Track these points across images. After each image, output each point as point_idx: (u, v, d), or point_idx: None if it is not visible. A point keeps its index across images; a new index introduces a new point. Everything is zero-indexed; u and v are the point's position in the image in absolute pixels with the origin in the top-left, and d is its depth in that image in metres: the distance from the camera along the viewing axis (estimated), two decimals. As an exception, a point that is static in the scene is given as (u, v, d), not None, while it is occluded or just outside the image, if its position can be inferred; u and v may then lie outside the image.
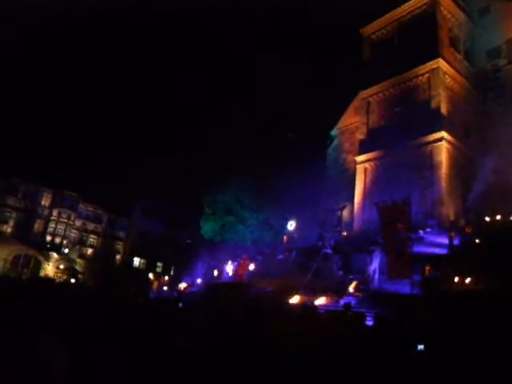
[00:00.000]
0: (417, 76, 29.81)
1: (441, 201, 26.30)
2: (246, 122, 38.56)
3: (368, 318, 8.37)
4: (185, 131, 48.65)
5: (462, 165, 27.85)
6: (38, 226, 45.50)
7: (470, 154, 28.09)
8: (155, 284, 34.88)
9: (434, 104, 28.32)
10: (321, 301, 16.40)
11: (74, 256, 47.09)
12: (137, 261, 53.10)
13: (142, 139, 49.11)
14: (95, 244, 50.08)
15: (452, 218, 25.54)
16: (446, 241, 19.16)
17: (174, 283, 34.48)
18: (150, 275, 38.50)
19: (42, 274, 42.04)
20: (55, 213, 46.11)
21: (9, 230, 43.57)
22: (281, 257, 27.76)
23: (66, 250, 46.66)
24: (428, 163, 27.49)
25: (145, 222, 52.94)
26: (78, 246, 48.14)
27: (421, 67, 29.44)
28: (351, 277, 19.32)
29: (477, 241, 18.52)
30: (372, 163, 31.34)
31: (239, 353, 4.89)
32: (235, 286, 20.85)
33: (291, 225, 33.38)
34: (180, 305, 9.80)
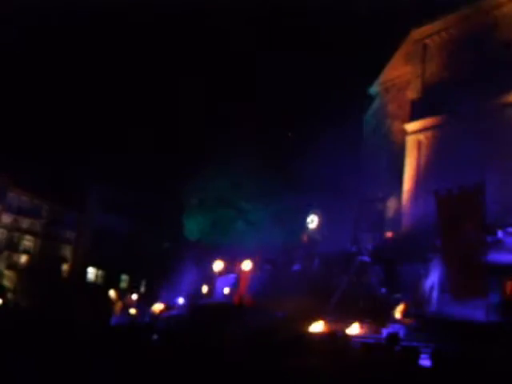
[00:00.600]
0: (498, 6, 29.44)
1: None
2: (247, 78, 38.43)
3: (423, 356, 8.30)
4: (163, 95, 48.64)
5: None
6: None
7: None
8: (118, 305, 35.15)
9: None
10: (355, 329, 16.38)
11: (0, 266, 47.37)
12: (92, 272, 53.37)
13: (102, 107, 48.99)
14: (31, 249, 50.37)
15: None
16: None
17: (145, 304, 34.65)
18: (112, 293, 38.75)
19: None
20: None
21: None
22: (297, 267, 27.74)
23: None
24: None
25: (104, 217, 53.08)
26: (5, 252, 48.32)
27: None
28: (398, 296, 19.30)
29: None
30: (429, 134, 31.09)
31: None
32: (233, 309, 20.87)
33: (312, 221, 33.28)
34: (155, 337, 9.73)
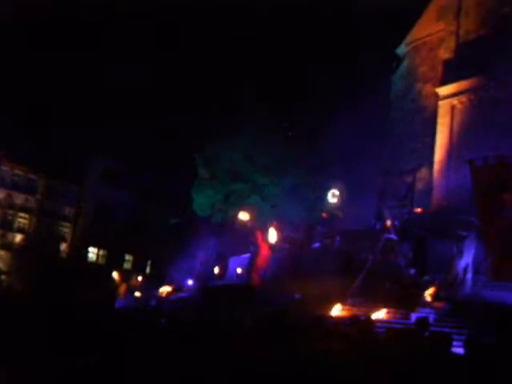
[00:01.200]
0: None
1: None
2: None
3: (455, 343, 8.29)
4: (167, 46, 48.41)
5: None
6: None
7: None
8: (122, 288, 35.46)
9: None
10: (380, 314, 16.41)
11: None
12: (93, 252, 53.81)
13: (100, 67, 48.89)
14: (26, 227, 50.73)
15: None
16: None
17: (151, 286, 34.94)
18: (115, 274, 39.10)
19: None
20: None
21: None
22: (317, 245, 27.82)
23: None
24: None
25: (105, 191, 53.21)
26: (-1, 231, 48.77)
27: None
28: (428, 277, 19.30)
29: None
30: (464, 98, 30.81)
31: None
32: (246, 291, 21.01)
33: (333, 196, 33.24)
34: (162, 321, 9.81)
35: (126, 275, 41.78)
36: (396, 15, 35.39)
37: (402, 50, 37.48)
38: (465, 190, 24.63)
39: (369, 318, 11.10)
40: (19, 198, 50.21)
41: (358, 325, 8.46)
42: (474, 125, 29.76)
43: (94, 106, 49.12)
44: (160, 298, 30.00)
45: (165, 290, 32.04)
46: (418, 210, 29.69)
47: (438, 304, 17.21)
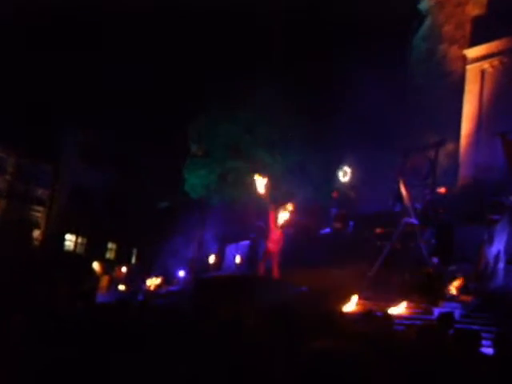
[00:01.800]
0: None
1: None
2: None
3: (484, 342, 8.35)
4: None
5: None
6: None
7: None
8: (104, 280, 35.61)
9: None
10: (399, 309, 16.48)
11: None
12: (70, 240, 53.92)
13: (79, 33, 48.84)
14: (-5, 211, 50.79)
15: None
16: None
17: (137, 278, 35.10)
18: (95, 265, 39.24)
19: None
20: None
21: None
22: (327, 230, 27.91)
23: None
24: None
25: (84, 170, 53.16)
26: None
27: None
28: (453, 267, 19.37)
29: None
30: (496, 61, 30.74)
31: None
32: (246, 282, 21.09)
33: (345, 174, 33.26)
34: (150, 317, 9.87)
35: (108, 266, 41.91)
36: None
37: (424, 5, 37.27)
38: (496, 167, 24.68)
39: (386, 314, 11.16)
40: (-15, 179, 50.35)
41: (374, 321, 8.52)
42: (507, 92, 29.72)
43: (71, 72, 48.97)
44: (147, 292, 30.14)
45: (153, 282, 32.21)
46: (442, 190, 29.69)
47: (464, 297, 17.28)
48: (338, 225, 27.47)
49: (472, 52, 31.68)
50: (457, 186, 29.92)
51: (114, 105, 49.02)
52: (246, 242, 29.05)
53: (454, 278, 18.42)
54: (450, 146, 32.51)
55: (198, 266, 32.54)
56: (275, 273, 22.05)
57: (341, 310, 16.51)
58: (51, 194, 53.23)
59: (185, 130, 38.36)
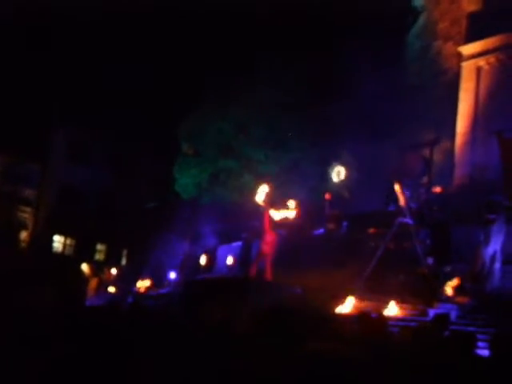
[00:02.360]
0: None
1: None
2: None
3: (480, 343, 8.39)
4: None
5: None
6: None
7: None
8: (93, 282, 35.53)
9: None
10: (393, 310, 16.50)
11: None
12: (59, 241, 53.75)
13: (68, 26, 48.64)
14: (-21, 212, 50.57)
15: None
16: None
17: (127, 280, 35.06)
18: (84, 267, 39.13)
19: None
20: None
21: None
22: (321, 231, 27.89)
23: None
24: None
25: (73, 170, 53.01)
26: None
27: None
28: (449, 268, 19.40)
29: None
30: (492, 58, 30.76)
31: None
32: (238, 284, 21.07)
33: (339, 173, 33.24)
34: (140, 320, 9.87)
35: (97, 268, 41.76)
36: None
37: (419, 1, 37.29)
38: (492, 165, 24.73)
39: (381, 315, 11.19)
40: (-29, 179, 50.16)
41: (369, 323, 8.53)
42: (504, 90, 29.76)
43: (60, 68, 48.82)
44: (137, 294, 30.12)
45: (143, 284, 32.16)
46: (438, 189, 29.69)
47: (460, 298, 17.31)
48: (331, 225, 27.43)
49: (467, 49, 31.71)
50: (452, 185, 29.96)
51: (105, 103, 48.96)
52: (239, 243, 29.02)
53: (449, 279, 18.45)
54: (445, 145, 32.58)
55: (189, 268, 32.48)
56: (268, 275, 21.97)
57: (335, 311, 16.54)
58: (39, 194, 53.06)
59: (176, 128, 38.35)
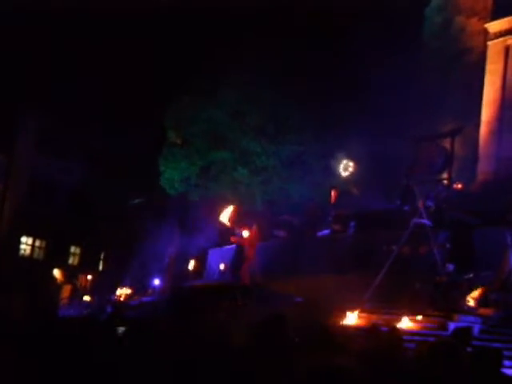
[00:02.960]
0: None
1: None
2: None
3: (507, 362, 8.39)
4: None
5: None
6: None
7: None
8: (67, 289, 35.58)
9: None
10: (408, 323, 16.49)
11: None
12: (27, 243, 53.69)
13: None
14: None
15: None
16: None
17: (105, 287, 35.11)
18: (56, 272, 39.14)
19: None
20: None
21: None
22: (325, 232, 27.91)
23: None
24: None
25: (43, 162, 52.97)
26: None
27: None
28: (471, 276, 19.38)
29: None
30: (522, 37, 30.80)
31: None
32: (231, 292, 21.11)
33: (346, 168, 33.30)
34: (120, 330, 9.86)
35: (71, 273, 41.85)
36: None
37: (439, -29, 37.26)
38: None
39: (393, 329, 11.18)
40: None
41: (379, 337, 8.53)
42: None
43: (28, 50, 48.82)
44: (117, 303, 30.12)
45: (123, 292, 32.19)
46: (459, 185, 29.71)
47: (484, 310, 17.28)
48: (337, 226, 27.45)
49: (495, 26, 31.70)
50: (475, 182, 29.98)
51: (80, 87, 48.83)
52: (232, 246, 29.00)
53: (472, 288, 18.43)
54: (467, 135, 32.52)
55: (175, 274, 32.55)
56: (246, 280, 22.18)
57: (341, 323, 16.54)
58: (4, 189, 52.79)
59: (161, 114, 38.31)
